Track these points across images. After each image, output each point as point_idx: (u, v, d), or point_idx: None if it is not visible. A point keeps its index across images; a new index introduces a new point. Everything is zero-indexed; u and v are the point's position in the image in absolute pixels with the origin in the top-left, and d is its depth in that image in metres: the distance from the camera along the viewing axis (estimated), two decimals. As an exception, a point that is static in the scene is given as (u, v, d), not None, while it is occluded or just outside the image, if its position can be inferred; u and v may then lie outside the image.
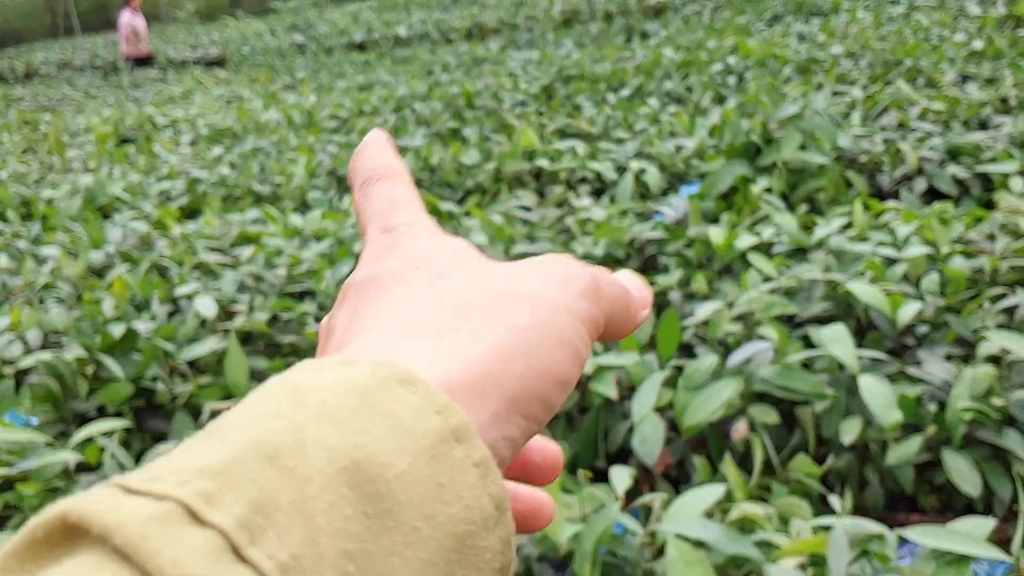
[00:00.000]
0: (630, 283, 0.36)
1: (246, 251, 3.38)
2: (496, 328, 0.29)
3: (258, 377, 2.65)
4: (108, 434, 2.23)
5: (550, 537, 1.59)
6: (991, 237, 2.76)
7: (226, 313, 2.93)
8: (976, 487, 1.87)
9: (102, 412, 2.51)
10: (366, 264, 0.35)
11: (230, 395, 2.53)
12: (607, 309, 0.33)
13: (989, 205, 3.45)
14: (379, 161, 0.39)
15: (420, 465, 0.24)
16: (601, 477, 2.14)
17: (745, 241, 2.89)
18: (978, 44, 5.70)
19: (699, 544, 1.52)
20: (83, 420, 2.48)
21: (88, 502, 0.22)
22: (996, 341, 1.98)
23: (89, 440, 2.17)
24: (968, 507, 2.01)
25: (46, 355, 2.52)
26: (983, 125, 4.16)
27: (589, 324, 0.31)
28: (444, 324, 0.29)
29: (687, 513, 1.58)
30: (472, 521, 0.25)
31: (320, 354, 0.34)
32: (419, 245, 0.34)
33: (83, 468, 2.18)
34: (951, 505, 2.05)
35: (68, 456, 2.05)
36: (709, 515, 1.67)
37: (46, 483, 2.04)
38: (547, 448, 0.38)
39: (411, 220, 0.36)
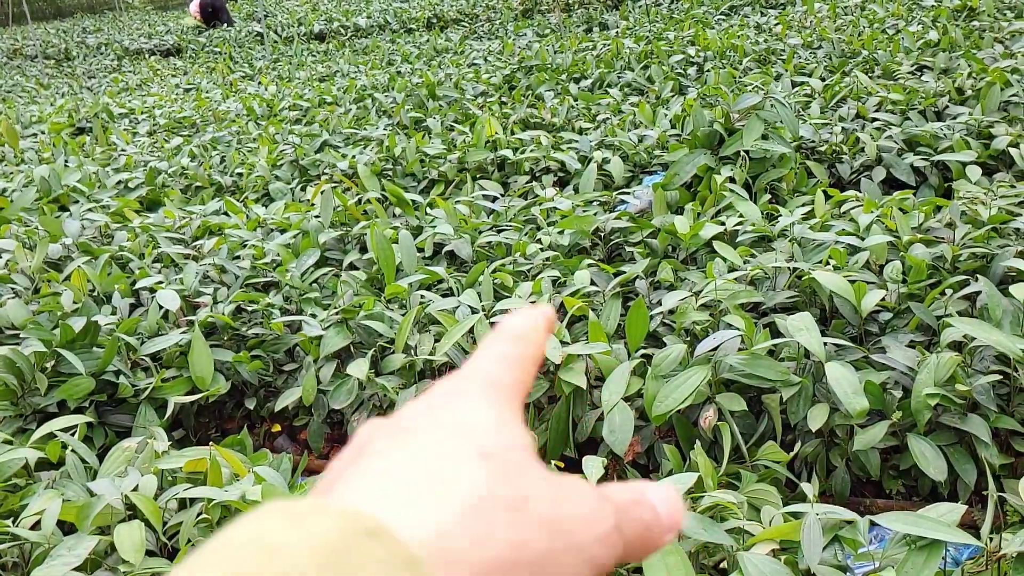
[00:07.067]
0: (664, 506, 0.35)
1: (208, 243, 3.33)
2: (513, 538, 0.29)
3: (223, 370, 2.62)
4: (69, 430, 2.19)
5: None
6: (950, 225, 2.80)
7: (189, 305, 2.89)
8: (942, 472, 1.90)
9: (63, 407, 2.47)
10: (424, 398, 0.35)
11: (195, 389, 2.50)
12: (624, 548, 0.33)
13: (947, 194, 3.50)
14: (522, 325, 0.39)
15: None
16: (571, 466, 2.14)
17: (710, 231, 2.91)
18: (933, 35, 5.78)
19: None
20: (44, 416, 2.43)
21: None
22: (959, 328, 2.01)
23: (50, 436, 2.13)
24: (933, 491, 2.03)
25: (3, 350, 2.47)
26: (939, 115, 4.22)
27: (596, 567, 0.31)
28: (429, 491, 0.29)
29: (659, 501, 1.58)
30: None
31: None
32: (469, 409, 0.34)
33: (44, 465, 2.14)
34: (916, 490, 2.08)
35: (28, 453, 2.01)
36: (680, 503, 1.68)
37: (5, 481, 2.00)
38: None
39: (495, 381, 0.36)
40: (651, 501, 0.34)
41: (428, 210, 3.65)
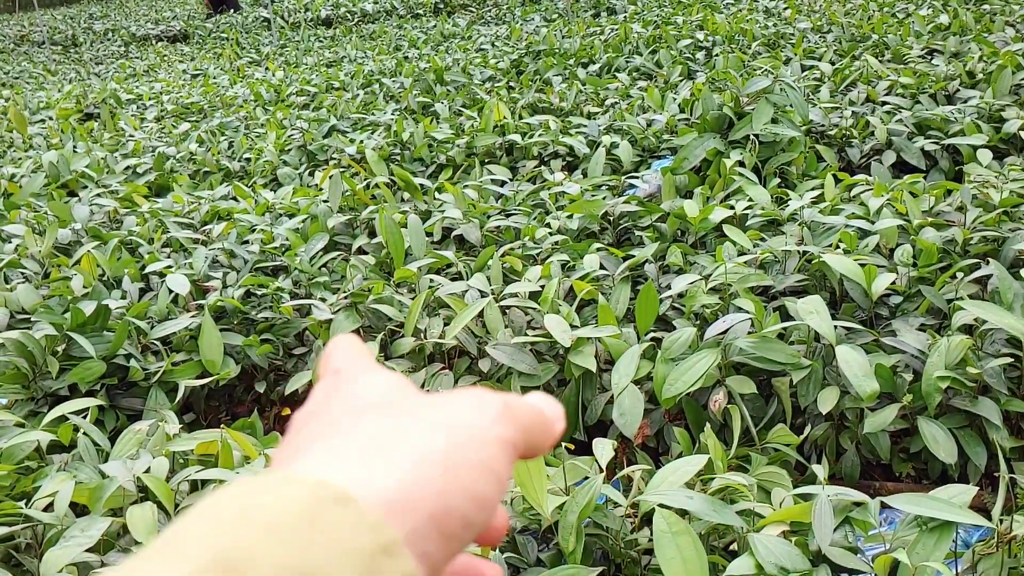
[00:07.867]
0: (541, 402, 0.39)
1: (217, 227, 3.34)
2: (412, 454, 0.32)
3: (232, 353, 2.62)
4: (81, 412, 2.20)
5: (534, 508, 1.59)
6: (961, 209, 2.79)
7: (199, 290, 2.90)
8: (952, 455, 1.90)
9: (74, 391, 2.48)
10: (313, 399, 0.39)
11: (205, 372, 2.51)
12: (523, 428, 0.37)
13: (958, 178, 3.48)
14: (341, 339, 0.44)
15: None
16: (580, 448, 2.14)
17: (719, 214, 2.90)
18: (944, 18, 5.74)
19: (683, 514, 1.53)
20: (55, 399, 2.44)
21: None
22: (971, 311, 2.01)
23: (62, 419, 2.14)
24: (943, 474, 2.03)
25: (14, 334, 2.47)
26: (950, 99, 4.20)
27: (505, 445, 0.35)
28: (368, 452, 0.33)
29: (670, 484, 1.59)
30: None
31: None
32: (356, 384, 0.39)
33: (56, 447, 2.15)
34: (926, 473, 2.08)
35: (40, 436, 2.02)
36: (690, 486, 1.68)
37: (18, 464, 2.01)
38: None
39: (352, 363, 0.41)
40: (531, 400, 0.39)
41: (436, 195, 3.65)
